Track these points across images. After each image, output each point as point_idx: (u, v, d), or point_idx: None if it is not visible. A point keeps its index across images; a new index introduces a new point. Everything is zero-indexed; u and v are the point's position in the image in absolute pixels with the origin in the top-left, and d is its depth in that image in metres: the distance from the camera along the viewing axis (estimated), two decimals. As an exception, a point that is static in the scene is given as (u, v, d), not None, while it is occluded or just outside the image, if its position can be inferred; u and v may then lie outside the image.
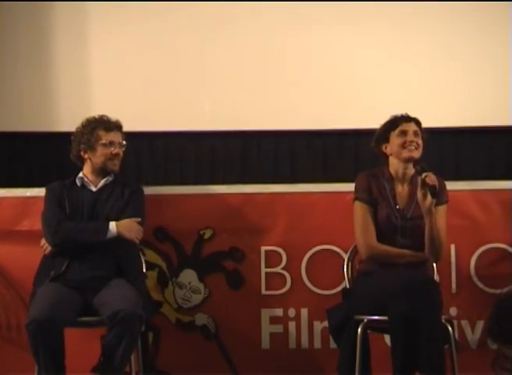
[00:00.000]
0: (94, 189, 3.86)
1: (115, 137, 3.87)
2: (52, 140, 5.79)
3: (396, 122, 3.76)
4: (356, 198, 3.74)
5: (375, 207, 3.70)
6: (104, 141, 3.84)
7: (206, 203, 4.21)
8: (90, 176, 3.88)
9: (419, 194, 3.57)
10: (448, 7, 5.87)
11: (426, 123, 5.69)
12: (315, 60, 5.90)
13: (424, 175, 3.55)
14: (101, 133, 3.85)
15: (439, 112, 5.79)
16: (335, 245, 4.11)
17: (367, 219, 3.69)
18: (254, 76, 5.91)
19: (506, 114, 5.81)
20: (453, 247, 4.10)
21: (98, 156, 3.84)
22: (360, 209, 3.71)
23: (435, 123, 5.77)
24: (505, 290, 4.01)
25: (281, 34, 5.91)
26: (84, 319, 3.63)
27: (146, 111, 5.85)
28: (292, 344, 4.15)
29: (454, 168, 5.90)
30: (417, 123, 3.78)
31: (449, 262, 4.10)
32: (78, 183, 3.87)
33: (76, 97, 5.88)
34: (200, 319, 4.17)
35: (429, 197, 3.53)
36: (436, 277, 3.81)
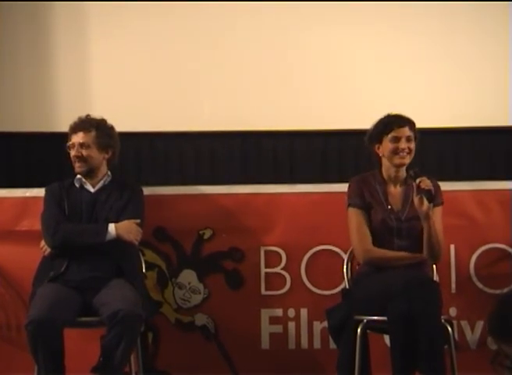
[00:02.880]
0: (92, 190, 3.85)
1: (76, 138, 3.84)
2: (52, 140, 5.77)
3: (389, 126, 3.73)
4: (349, 205, 3.75)
5: (369, 211, 3.70)
6: (68, 145, 3.85)
7: (206, 203, 4.20)
8: (85, 178, 3.87)
9: (415, 199, 3.56)
10: (448, 7, 5.86)
11: (426, 124, 5.70)
12: (315, 60, 5.89)
13: (418, 180, 3.55)
14: (70, 136, 3.86)
15: (439, 112, 5.78)
16: (334, 245, 4.11)
17: (361, 224, 3.69)
18: (253, 77, 5.90)
19: (506, 114, 5.81)
20: (452, 247, 4.11)
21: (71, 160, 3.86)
22: (354, 215, 3.72)
23: (435, 123, 5.79)
24: (505, 290, 4.02)
25: (281, 34, 5.90)
26: (84, 319, 3.63)
27: (146, 111, 5.84)
28: (291, 344, 4.15)
29: (454, 168, 5.89)
30: (411, 125, 3.75)
31: (449, 262, 4.10)
32: (76, 184, 3.87)
33: (76, 97, 5.87)
34: (200, 319, 4.17)
35: (426, 202, 3.53)
36: (436, 277, 3.81)
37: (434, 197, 3.55)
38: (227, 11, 5.89)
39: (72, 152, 3.83)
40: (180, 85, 5.89)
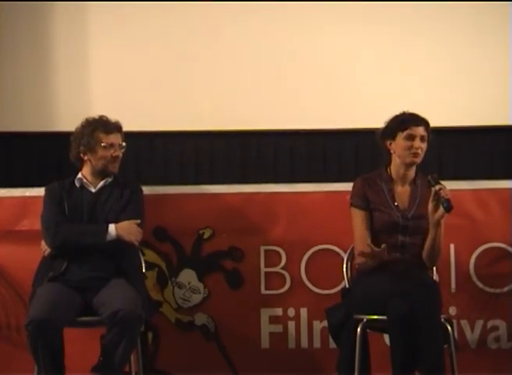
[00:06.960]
0: (93, 190, 3.84)
1: (115, 139, 3.85)
2: (52, 140, 5.80)
3: (405, 123, 3.70)
4: (351, 204, 3.74)
5: (373, 212, 3.69)
6: (104, 144, 3.82)
7: (206, 203, 4.20)
8: (90, 178, 3.87)
9: (430, 205, 3.53)
10: (448, 7, 5.88)
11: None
12: (315, 60, 5.91)
13: (438, 187, 3.52)
14: (102, 135, 3.82)
15: (439, 112, 5.78)
16: (334, 245, 4.11)
17: (361, 225, 3.67)
18: (253, 77, 5.91)
19: (506, 114, 5.82)
20: (452, 246, 4.11)
21: (98, 158, 3.82)
22: (356, 216, 3.70)
23: (435, 123, 5.78)
24: (505, 289, 4.03)
25: (281, 35, 5.92)
26: (84, 319, 3.63)
27: (146, 111, 5.86)
28: (291, 343, 4.15)
29: (454, 168, 5.90)
30: (426, 125, 3.73)
31: (449, 262, 4.10)
32: (77, 184, 3.86)
33: (76, 97, 5.88)
34: (200, 318, 4.17)
35: (441, 209, 3.50)
36: (436, 277, 3.81)
37: (452, 207, 3.49)
38: (228, 11, 5.90)
39: (114, 152, 3.82)
40: (180, 85, 5.90)
